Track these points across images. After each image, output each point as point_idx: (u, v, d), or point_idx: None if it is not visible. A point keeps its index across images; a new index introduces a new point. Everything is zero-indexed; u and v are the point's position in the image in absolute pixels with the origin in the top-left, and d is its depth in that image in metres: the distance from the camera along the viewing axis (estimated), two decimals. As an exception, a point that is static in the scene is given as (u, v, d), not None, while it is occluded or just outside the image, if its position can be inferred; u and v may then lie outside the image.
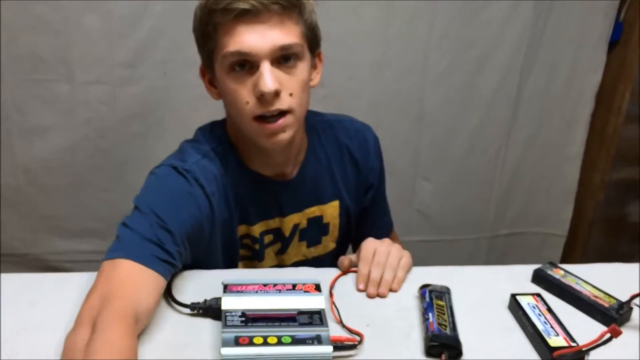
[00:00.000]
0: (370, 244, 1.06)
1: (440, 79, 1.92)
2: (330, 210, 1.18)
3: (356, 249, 1.10)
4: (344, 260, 1.07)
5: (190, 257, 1.00)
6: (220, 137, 1.07)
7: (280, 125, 0.95)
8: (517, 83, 1.98)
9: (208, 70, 1.01)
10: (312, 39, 0.98)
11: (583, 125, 2.10)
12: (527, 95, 2.01)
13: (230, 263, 1.11)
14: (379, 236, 1.10)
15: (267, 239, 1.14)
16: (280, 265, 1.18)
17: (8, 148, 1.73)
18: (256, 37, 0.90)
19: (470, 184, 2.08)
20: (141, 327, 0.85)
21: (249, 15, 0.89)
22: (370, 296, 1.00)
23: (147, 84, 1.70)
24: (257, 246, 1.13)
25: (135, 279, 0.87)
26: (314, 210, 1.16)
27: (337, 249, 1.24)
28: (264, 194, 1.09)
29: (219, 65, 0.96)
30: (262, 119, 0.95)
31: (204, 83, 1.05)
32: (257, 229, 1.11)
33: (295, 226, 1.15)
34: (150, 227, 0.92)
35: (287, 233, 1.14)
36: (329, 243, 1.21)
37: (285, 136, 0.97)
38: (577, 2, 1.91)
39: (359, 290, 1.02)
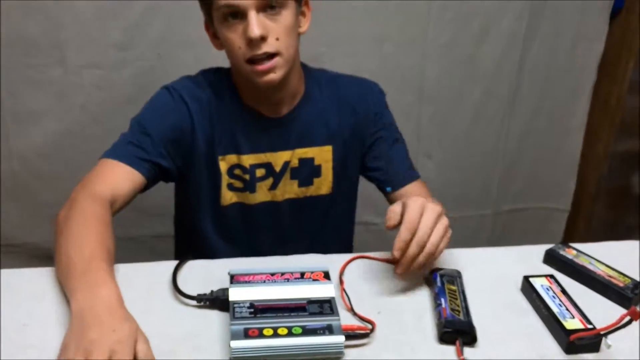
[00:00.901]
0: (418, 206, 0.93)
1: (441, 51, 1.89)
2: (323, 154, 1.23)
3: (392, 200, 1.20)
4: (392, 216, 0.96)
5: (176, 162, 1.15)
6: (219, 75, 1.19)
7: (269, 66, 1.06)
8: (519, 54, 1.95)
9: (210, 24, 1.12)
10: None
11: (586, 95, 2.07)
12: (529, 66, 1.98)
13: (213, 185, 1.20)
14: (402, 186, 1.22)
15: (259, 172, 1.20)
16: (273, 201, 1.23)
17: (3, 134, 1.69)
18: None
19: (473, 159, 2.06)
20: (116, 208, 1.04)
21: None
22: (396, 272, 0.95)
23: (142, 66, 1.66)
24: (247, 176, 1.20)
25: (113, 171, 1.07)
26: (305, 151, 1.22)
27: (334, 195, 1.27)
28: (255, 127, 1.18)
29: (215, 17, 1.07)
30: (253, 61, 1.06)
31: (208, 36, 1.15)
32: (246, 160, 1.19)
33: (286, 163, 1.21)
34: (132, 133, 1.12)
35: (277, 169, 1.21)
36: (321, 185, 1.25)
37: (275, 76, 1.07)
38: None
39: (393, 258, 0.94)
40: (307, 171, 1.23)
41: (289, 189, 1.24)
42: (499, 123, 2.03)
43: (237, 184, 1.21)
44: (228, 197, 1.21)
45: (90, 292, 0.82)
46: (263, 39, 1.03)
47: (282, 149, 1.20)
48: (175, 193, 1.33)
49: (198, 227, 1.25)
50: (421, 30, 1.85)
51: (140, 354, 0.77)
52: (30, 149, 1.72)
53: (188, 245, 1.33)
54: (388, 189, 1.25)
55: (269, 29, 1.04)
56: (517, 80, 1.98)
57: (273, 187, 1.22)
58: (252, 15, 1.02)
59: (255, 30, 1.02)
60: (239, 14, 1.04)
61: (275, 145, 1.20)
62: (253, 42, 1.03)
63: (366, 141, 1.26)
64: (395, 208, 0.96)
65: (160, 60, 1.65)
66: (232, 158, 1.19)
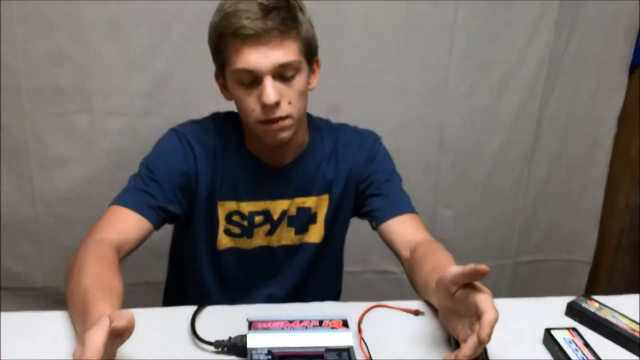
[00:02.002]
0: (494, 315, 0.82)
1: (460, 102, 1.90)
2: (320, 203, 1.25)
3: (382, 235, 1.23)
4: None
5: (183, 206, 1.17)
6: (228, 120, 1.21)
7: (280, 126, 1.08)
8: (538, 105, 1.95)
9: (221, 76, 1.14)
10: (309, 51, 1.11)
11: (606, 147, 2.06)
12: (549, 117, 1.98)
13: (210, 229, 1.22)
14: (386, 219, 1.21)
15: (257, 219, 1.22)
16: (269, 246, 1.25)
17: (27, 179, 1.72)
18: (260, 57, 1.03)
19: (493, 210, 2.05)
20: (122, 255, 1.05)
21: (254, 38, 1.02)
22: None
23: (167, 114, 1.68)
24: (245, 223, 1.22)
25: (121, 219, 1.09)
26: (304, 201, 1.24)
27: (325, 242, 1.28)
28: (256, 175, 1.20)
29: (229, 76, 1.09)
30: (265, 122, 1.08)
31: (218, 85, 1.17)
32: (246, 207, 1.21)
33: (284, 212, 1.23)
34: (141, 178, 1.14)
35: (275, 216, 1.23)
36: (316, 232, 1.27)
37: (285, 135, 1.10)
38: (598, 23, 1.89)
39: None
40: (303, 219, 1.25)
41: (286, 236, 1.25)
42: (519, 173, 2.02)
43: (235, 229, 1.22)
44: (224, 242, 1.23)
45: (82, 324, 0.83)
46: (277, 104, 1.06)
47: (282, 197, 1.22)
48: (173, 234, 1.34)
49: (194, 269, 1.26)
50: (441, 80, 1.87)
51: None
52: (55, 193, 1.74)
53: (180, 286, 1.34)
54: (373, 223, 1.24)
55: (283, 95, 1.06)
56: (537, 130, 1.98)
57: (270, 233, 1.24)
58: (268, 82, 1.04)
59: (271, 97, 1.04)
60: (253, 78, 1.06)
61: (274, 194, 1.22)
62: (267, 107, 1.05)
63: (360, 187, 1.27)
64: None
65: (185, 108, 1.67)
66: (232, 205, 1.21)
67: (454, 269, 0.86)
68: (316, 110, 1.28)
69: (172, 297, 1.39)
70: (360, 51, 1.78)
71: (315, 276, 1.30)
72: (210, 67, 1.15)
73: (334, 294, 1.39)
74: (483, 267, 0.83)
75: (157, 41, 1.66)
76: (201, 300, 1.06)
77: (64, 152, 1.71)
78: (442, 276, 0.89)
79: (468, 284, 0.86)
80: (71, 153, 1.72)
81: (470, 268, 0.83)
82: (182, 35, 1.65)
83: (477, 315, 0.83)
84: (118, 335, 0.73)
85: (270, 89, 1.04)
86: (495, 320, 0.81)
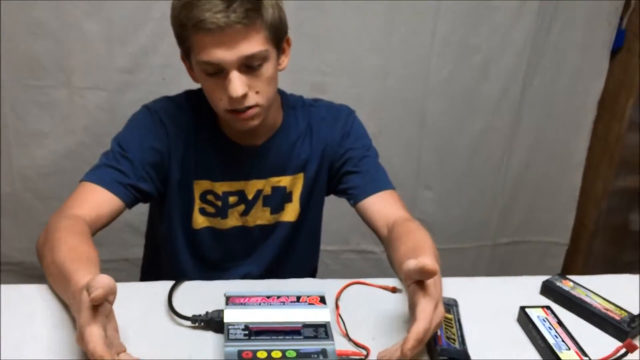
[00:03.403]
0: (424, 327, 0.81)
1: (442, 85, 1.91)
2: (295, 182, 1.24)
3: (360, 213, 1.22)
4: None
5: (156, 184, 1.15)
6: (202, 98, 1.15)
7: (249, 114, 1.06)
8: (520, 89, 1.97)
9: (186, 58, 1.11)
10: (277, 35, 1.07)
11: (586, 132, 2.09)
12: (530, 101, 1.99)
13: (185, 208, 1.20)
14: (364, 197, 1.20)
15: (232, 200, 1.21)
16: (244, 226, 1.24)
17: (5, 154, 1.70)
18: (224, 50, 1.00)
19: (473, 192, 2.07)
20: (94, 230, 1.05)
21: (216, 32, 0.98)
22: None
23: (146, 90, 1.66)
24: (219, 203, 1.20)
25: (92, 196, 1.07)
26: (278, 180, 1.23)
27: (300, 221, 1.27)
28: (230, 155, 1.18)
29: (195, 65, 1.06)
30: (233, 111, 1.06)
31: (185, 66, 1.14)
32: (219, 187, 1.20)
33: (259, 192, 1.22)
34: (113, 155, 1.12)
35: (250, 196, 1.22)
36: (292, 211, 1.26)
37: (254, 122, 1.08)
38: (581, 9, 1.90)
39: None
40: (279, 198, 1.24)
41: (261, 215, 1.24)
42: (499, 157, 2.04)
43: (210, 209, 1.21)
44: (200, 221, 1.22)
45: (65, 294, 0.88)
46: (244, 96, 1.03)
47: (256, 177, 1.21)
48: (149, 212, 1.33)
49: (170, 248, 1.25)
50: (423, 63, 1.87)
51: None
52: (33, 169, 1.73)
53: (156, 264, 1.33)
54: (351, 201, 1.23)
55: (250, 86, 1.04)
56: (517, 115, 2.00)
57: (245, 213, 1.23)
58: (234, 76, 1.01)
59: (238, 91, 1.01)
60: (219, 70, 1.03)
61: (249, 174, 1.20)
62: (234, 99, 1.03)
63: (335, 164, 1.26)
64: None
65: (164, 84, 1.67)
66: (205, 184, 1.19)
67: (410, 263, 0.83)
68: (299, 90, 1.27)
69: (149, 276, 1.38)
70: (344, 32, 1.77)
71: (291, 255, 1.30)
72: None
73: (310, 272, 1.38)
74: (430, 267, 0.81)
75: (138, 17, 1.64)
76: (177, 278, 1.05)
77: (42, 126, 1.70)
78: (404, 265, 0.85)
79: (420, 281, 0.84)
80: (49, 128, 1.70)
81: (419, 265, 0.82)
82: (163, 12, 1.60)
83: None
84: (101, 303, 0.74)
85: (237, 83, 1.01)
86: (425, 331, 0.79)
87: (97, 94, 1.68)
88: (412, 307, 0.85)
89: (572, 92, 2.01)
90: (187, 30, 1.01)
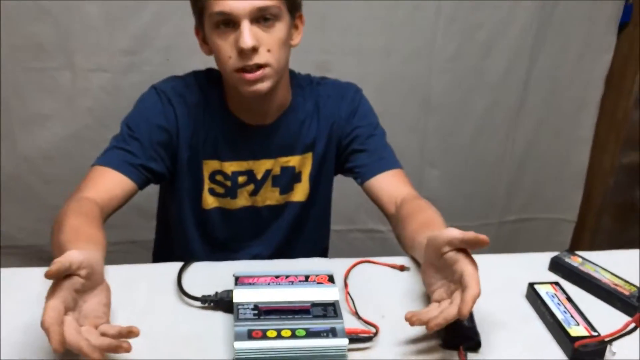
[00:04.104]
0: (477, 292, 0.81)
1: (447, 63, 1.89)
2: (304, 162, 1.24)
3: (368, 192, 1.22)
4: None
5: (166, 163, 1.16)
6: (210, 77, 1.18)
7: (258, 75, 1.04)
8: (525, 66, 1.94)
9: (200, 29, 1.11)
10: (292, 2, 1.08)
11: (593, 108, 2.07)
12: (536, 78, 1.97)
13: (195, 189, 1.21)
14: (371, 176, 1.20)
15: (241, 179, 1.21)
16: (254, 206, 1.24)
17: (9, 137, 1.70)
18: (236, 0, 1.00)
19: (478, 170, 2.06)
20: (107, 214, 1.06)
21: None
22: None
23: (149, 71, 1.65)
24: (229, 183, 1.21)
25: (103, 179, 1.08)
26: (287, 160, 1.22)
27: (310, 201, 1.27)
28: (238, 135, 1.18)
29: (207, 23, 1.06)
30: (242, 70, 1.05)
31: (198, 40, 1.14)
32: (228, 167, 1.20)
33: (268, 171, 1.22)
34: (122, 137, 1.13)
35: (259, 176, 1.22)
36: (301, 191, 1.26)
37: (263, 86, 1.06)
38: (587, -18, 1.87)
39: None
40: (288, 178, 1.24)
41: (270, 196, 1.24)
42: (505, 134, 2.03)
43: (219, 189, 1.21)
44: (210, 201, 1.22)
45: None
46: (255, 49, 1.02)
47: (265, 157, 1.21)
48: (160, 194, 1.34)
49: (180, 229, 1.25)
50: (428, 41, 1.85)
51: None
52: (37, 151, 1.73)
53: (168, 246, 1.33)
54: (358, 180, 1.23)
55: (261, 41, 1.03)
56: (524, 91, 1.98)
57: (254, 193, 1.23)
58: (245, 25, 1.01)
59: (247, 41, 1.01)
60: (231, 23, 1.03)
61: (257, 154, 1.20)
62: (244, 52, 1.02)
63: (342, 142, 1.25)
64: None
65: (168, 65, 1.66)
66: (214, 164, 1.19)
67: (454, 232, 0.84)
68: (304, 69, 1.27)
69: (161, 258, 1.38)
70: (348, 11, 1.75)
71: (301, 235, 1.30)
72: (193, 24, 1.13)
73: (320, 251, 1.39)
74: (484, 237, 0.82)
75: (139, -3, 1.63)
76: (187, 260, 1.05)
77: (45, 109, 1.69)
78: (437, 235, 0.87)
79: (461, 249, 0.85)
80: (53, 110, 1.69)
81: (472, 235, 0.82)
82: (166, -8, 1.62)
83: (459, 283, 0.82)
84: (64, 278, 0.75)
85: (247, 33, 1.01)
86: (478, 296, 0.80)
87: (100, 76, 1.67)
88: (453, 272, 0.84)
89: (578, 68, 1.99)
90: None
